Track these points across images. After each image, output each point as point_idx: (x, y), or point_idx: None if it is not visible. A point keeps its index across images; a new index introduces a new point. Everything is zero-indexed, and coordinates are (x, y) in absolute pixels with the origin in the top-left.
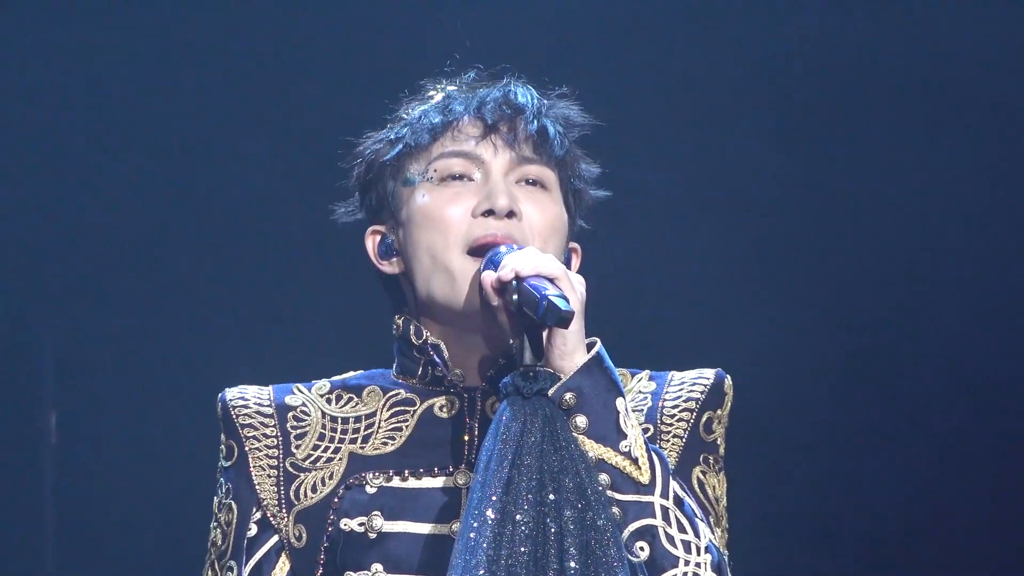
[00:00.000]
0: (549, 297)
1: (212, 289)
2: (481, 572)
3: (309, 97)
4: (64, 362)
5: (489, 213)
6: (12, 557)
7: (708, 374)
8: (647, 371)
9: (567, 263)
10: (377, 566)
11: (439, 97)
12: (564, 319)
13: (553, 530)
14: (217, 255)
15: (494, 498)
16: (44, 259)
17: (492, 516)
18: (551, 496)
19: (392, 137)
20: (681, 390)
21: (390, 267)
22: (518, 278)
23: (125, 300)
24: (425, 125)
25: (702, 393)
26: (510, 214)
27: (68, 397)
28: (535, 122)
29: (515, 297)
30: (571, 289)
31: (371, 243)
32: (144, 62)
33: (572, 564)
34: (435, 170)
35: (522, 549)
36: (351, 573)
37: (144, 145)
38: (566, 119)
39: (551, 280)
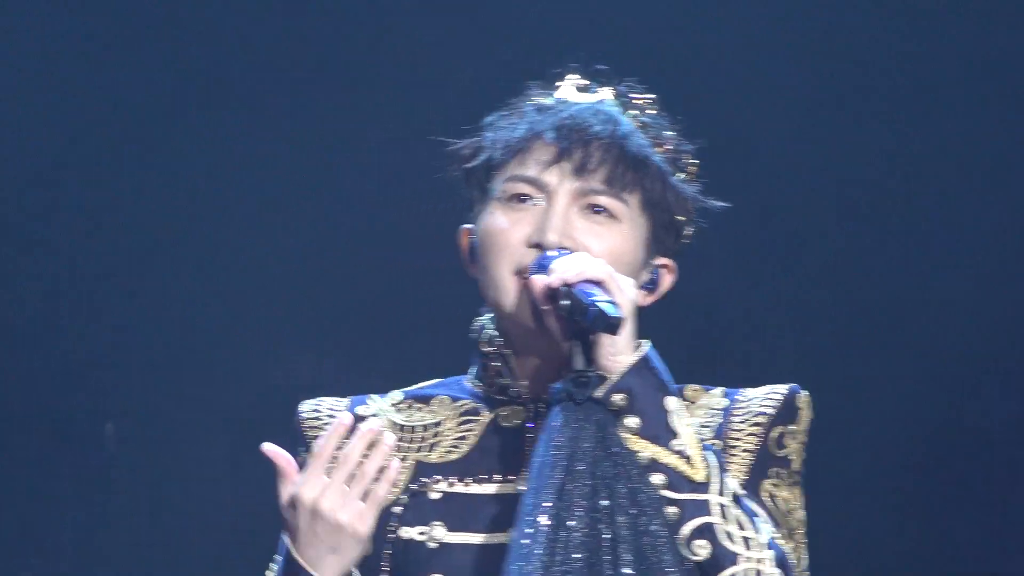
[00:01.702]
0: (598, 303)
1: (286, 295)
2: None
3: (392, 108)
4: (123, 371)
5: (539, 246)
6: (70, 566)
7: (781, 389)
8: (721, 388)
9: (653, 283)
10: None
11: (532, 107)
12: (613, 325)
13: (606, 536)
14: (292, 259)
15: (547, 505)
16: (103, 268)
17: (545, 523)
18: (604, 502)
19: (480, 144)
20: (751, 405)
21: (473, 270)
22: (566, 284)
23: (189, 307)
24: (505, 141)
25: (773, 408)
26: (561, 249)
27: (127, 407)
28: (610, 151)
29: (564, 303)
30: (619, 292)
31: (463, 243)
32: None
33: (626, 570)
34: (504, 190)
35: (576, 556)
36: None
37: (210, 150)
38: (654, 142)
39: (599, 284)
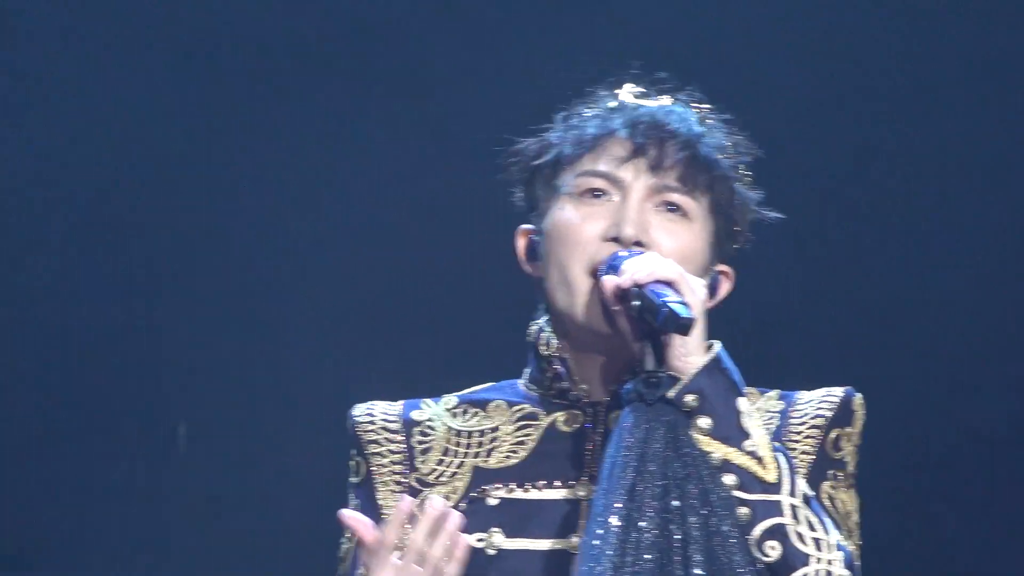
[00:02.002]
0: (669, 304)
1: (346, 298)
2: None
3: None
4: (193, 373)
5: (616, 240)
6: (142, 567)
7: (837, 392)
8: (776, 390)
9: (712, 288)
10: None
11: (601, 106)
12: (684, 326)
13: (678, 537)
14: (348, 262)
15: (618, 505)
16: (172, 270)
17: (616, 524)
18: (675, 503)
19: (550, 141)
20: (809, 407)
21: (533, 270)
22: (637, 285)
23: (261, 310)
24: (579, 137)
25: (831, 411)
26: (637, 243)
27: (197, 408)
28: (685, 150)
29: (635, 303)
30: (690, 293)
31: (521, 243)
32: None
33: (697, 571)
34: (577, 185)
35: (647, 556)
36: None
37: (276, 156)
38: (722, 146)
39: (670, 284)
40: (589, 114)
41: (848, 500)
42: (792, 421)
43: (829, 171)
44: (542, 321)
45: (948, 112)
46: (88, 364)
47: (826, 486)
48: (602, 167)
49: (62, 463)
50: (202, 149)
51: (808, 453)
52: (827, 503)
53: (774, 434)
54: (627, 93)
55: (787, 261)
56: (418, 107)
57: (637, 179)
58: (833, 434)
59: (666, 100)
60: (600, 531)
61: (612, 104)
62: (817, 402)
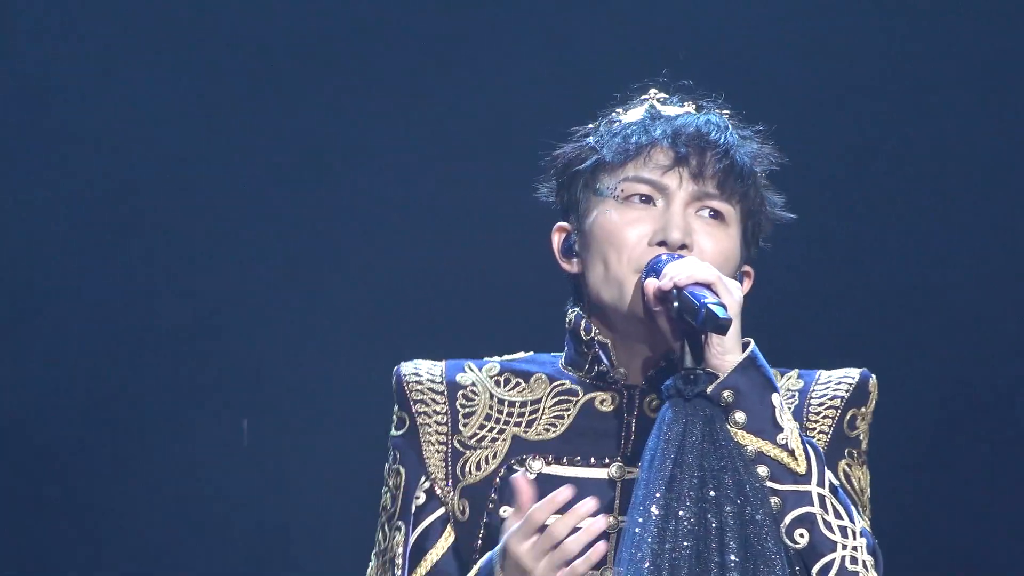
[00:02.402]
0: (708, 305)
1: (387, 281)
2: (646, 565)
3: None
4: (254, 368)
5: (662, 244)
6: (203, 560)
7: (853, 373)
8: (796, 370)
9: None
10: None
11: (641, 113)
12: (722, 326)
13: (714, 525)
14: (411, 264)
15: (658, 495)
16: (240, 271)
17: (656, 512)
18: (712, 493)
19: (591, 145)
20: (827, 388)
21: (569, 266)
22: (677, 287)
23: (321, 308)
24: (622, 144)
25: (847, 391)
26: (682, 247)
27: (259, 402)
28: (724, 160)
29: (675, 305)
30: (728, 294)
31: (557, 239)
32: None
33: (732, 557)
34: (622, 190)
35: (685, 543)
36: None
37: (318, 134)
38: (755, 155)
39: (708, 287)
40: (627, 121)
41: (862, 476)
42: (812, 401)
43: (836, 161)
44: (578, 310)
45: (950, 106)
46: (154, 361)
47: (842, 464)
48: (647, 174)
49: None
50: (244, 141)
51: (825, 432)
52: (843, 480)
53: (794, 412)
54: (654, 99)
55: (804, 251)
56: (463, 80)
57: (680, 187)
58: (849, 414)
59: (691, 107)
60: (640, 519)
61: (651, 112)
62: (835, 383)
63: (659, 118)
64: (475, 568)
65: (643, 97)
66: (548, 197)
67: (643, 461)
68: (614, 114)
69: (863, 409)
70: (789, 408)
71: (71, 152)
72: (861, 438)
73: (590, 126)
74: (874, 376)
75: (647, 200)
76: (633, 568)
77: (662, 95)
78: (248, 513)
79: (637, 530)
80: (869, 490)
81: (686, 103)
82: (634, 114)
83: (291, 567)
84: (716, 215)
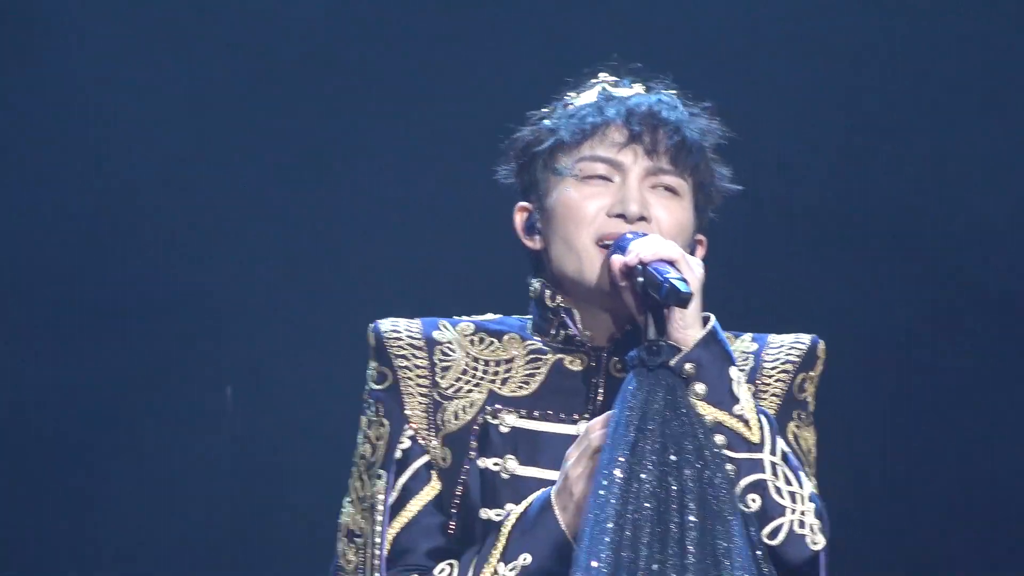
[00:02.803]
0: (670, 280)
1: (390, 266)
2: (610, 525)
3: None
4: (238, 337)
5: (621, 216)
6: (191, 526)
7: (804, 339)
8: (749, 333)
9: (692, 254)
10: (510, 506)
11: (595, 96)
12: (684, 300)
13: (674, 488)
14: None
15: (621, 459)
16: (220, 245)
17: (620, 476)
18: (672, 457)
19: (548, 128)
20: (780, 352)
21: (532, 243)
22: (642, 263)
23: (300, 276)
24: (578, 125)
25: (799, 356)
26: (640, 218)
27: (243, 370)
28: (674, 135)
29: (640, 280)
30: (689, 271)
31: (519, 219)
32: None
33: (691, 518)
34: (580, 168)
35: (647, 505)
36: (486, 510)
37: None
38: (704, 130)
39: (671, 263)
40: (581, 103)
41: (809, 436)
42: (765, 364)
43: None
44: (542, 280)
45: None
46: (137, 330)
47: (792, 425)
48: (603, 152)
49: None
50: (228, 124)
51: (777, 395)
52: (792, 441)
53: (749, 373)
54: (604, 83)
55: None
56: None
57: (635, 162)
58: (799, 378)
59: (640, 88)
60: (605, 482)
61: (603, 94)
62: (787, 348)
63: (612, 99)
64: (528, 500)
65: (593, 81)
66: (508, 180)
67: (608, 428)
68: (567, 97)
69: (811, 373)
70: (744, 370)
71: (45, 136)
72: (809, 401)
73: (545, 110)
74: (823, 342)
75: (605, 177)
76: (598, 528)
77: (612, 78)
78: (232, 476)
79: (602, 492)
80: (815, 450)
81: (635, 84)
82: (587, 97)
83: (278, 536)
84: (670, 188)
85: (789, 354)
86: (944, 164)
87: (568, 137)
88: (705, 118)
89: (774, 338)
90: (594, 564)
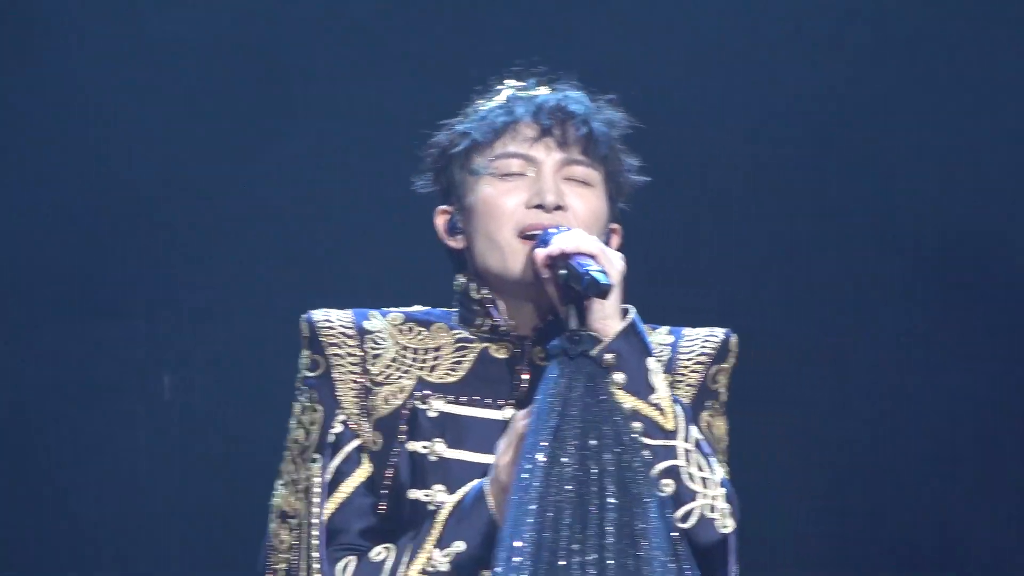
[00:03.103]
0: (591, 272)
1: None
2: (533, 507)
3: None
4: (172, 326)
5: (539, 207)
6: (134, 511)
7: (718, 333)
8: (666, 327)
9: (607, 243)
10: (439, 487)
11: (503, 97)
12: (603, 291)
13: (594, 471)
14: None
15: (544, 444)
16: (146, 223)
17: (542, 460)
18: (592, 442)
19: (461, 131)
20: (694, 345)
21: (455, 243)
22: (564, 255)
23: (238, 264)
24: (490, 125)
25: (713, 349)
26: (557, 208)
27: (180, 357)
28: (583, 128)
29: (562, 272)
30: (610, 265)
31: (440, 221)
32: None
33: (611, 500)
34: (496, 166)
35: (568, 487)
36: (415, 490)
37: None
38: (611, 122)
39: (592, 257)
40: (490, 106)
41: (721, 425)
42: (681, 356)
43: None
44: (466, 277)
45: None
46: (73, 319)
47: (705, 415)
48: (516, 148)
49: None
50: (186, 126)
51: (693, 385)
52: (705, 429)
53: (666, 364)
54: (510, 87)
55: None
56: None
57: (548, 155)
58: (713, 370)
59: (545, 89)
60: (528, 466)
61: (512, 96)
62: (702, 341)
63: (520, 99)
64: (464, 489)
65: (498, 87)
66: (424, 188)
67: (532, 414)
68: (476, 104)
69: (724, 366)
70: (661, 361)
71: None
72: (722, 391)
73: (457, 119)
74: (735, 336)
75: (520, 173)
76: (521, 510)
77: (518, 83)
78: (174, 463)
79: (525, 476)
80: (727, 438)
81: (540, 86)
82: (496, 101)
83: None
84: (583, 179)
85: (703, 347)
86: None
87: (481, 137)
88: (611, 110)
89: (688, 331)
90: (517, 544)
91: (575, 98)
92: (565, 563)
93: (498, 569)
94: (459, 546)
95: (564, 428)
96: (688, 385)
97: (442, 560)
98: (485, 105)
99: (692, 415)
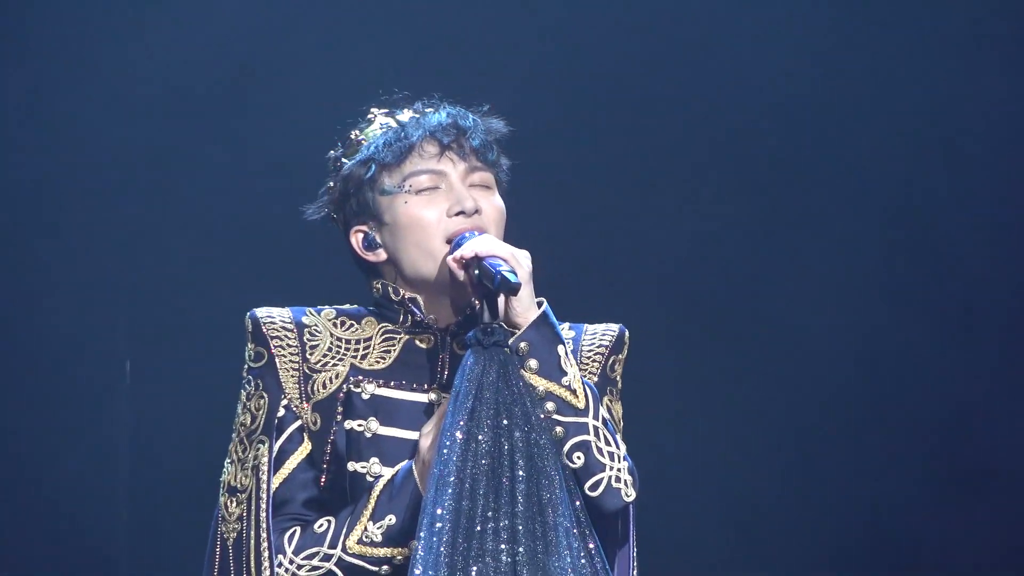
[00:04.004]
0: (502, 272)
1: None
2: (452, 479)
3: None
4: (134, 315)
5: (460, 213)
6: (93, 494)
7: (614, 328)
8: (568, 323)
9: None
10: (374, 459)
11: (394, 123)
12: (513, 289)
13: (506, 447)
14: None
15: (461, 423)
16: (108, 224)
17: (460, 436)
18: (504, 422)
19: (364, 159)
20: (595, 338)
21: (374, 257)
22: (477, 258)
23: (190, 259)
24: (396, 149)
25: (610, 342)
26: (476, 211)
27: (138, 345)
28: (476, 138)
29: (476, 272)
30: (519, 265)
31: (355, 240)
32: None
33: (520, 473)
34: (410, 184)
35: (483, 462)
36: (353, 463)
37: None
38: (493, 129)
39: (503, 259)
40: (378, 134)
41: (619, 408)
42: (583, 348)
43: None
44: (382, 282)
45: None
46: (38, 308)
47: (606, 400)
48: (425, 166)
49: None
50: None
51: (594, 374)
52: (605, 413)
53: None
54: (380, 113)
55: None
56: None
57: (454, 168)
58: (610, 360)
59: (409, 112)
60: (448, 443)
61: (400, 120)
62: (600, 335)
63: (410, 122)
64: (395, 469)
65: (369, 117)
66: (316, 215)
67: (451, 397)
68: (354, 136)
69: (620, 356)
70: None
71: None
72: (618, 379)
73: (335, 152)
74: (627, 331)
75: (433, 186)
76: (441, 482)
77: (384, 109)
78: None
79: (445, 451)
80: (622, 420)
81: (406, 109)
82: (374, 129)
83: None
84: (484, 183)
85: (602, 340)
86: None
87: (390, 160)
88: (490, 119)
89: (588, 327)
90: (439, 511)
91: (460, 114)
92: (480, 528)
93: (421, 533)
94: (390, 519)
95: (479, 409)
96: (590, 373)
97: (376, 532)
98: (365, 133)
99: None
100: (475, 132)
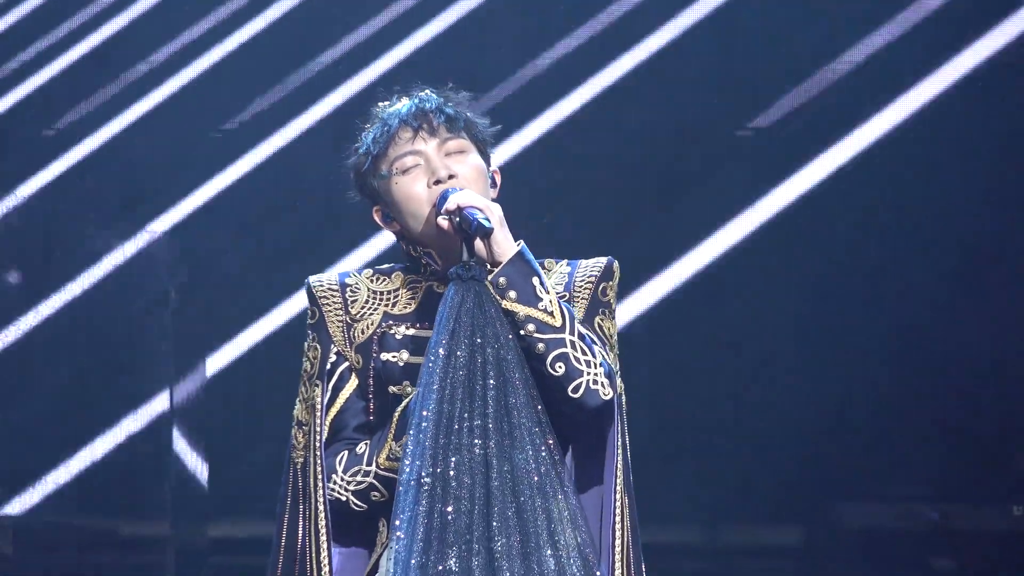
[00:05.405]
0: (477, 219)
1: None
2: (435, 386)
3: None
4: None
5: (438, 182)
6: None
7: (603, 260)
8: (565, 260)
9: (494, 183)
10: (407, 382)
11: (383, 117)
12: (487, 232)
13: (479, 361)
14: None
15: (444, 341)
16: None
17: (442, 352)
18: (478, 340)
19: (363, 152)
20: (587, 269)
21: (392, 227)
22: (459, 208)
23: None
24: (381, 140)
25: (599, 271)
26: (451, 177)
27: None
28: (440, 115)
29: (457, 220)
30: (491, 213)
31: (377, 216)
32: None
33: (491, 382)
34: (396, 167)
35: (460, 373)
36: (392, 387)
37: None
38: (457, 101)
39: (479, 209)
40: (372, 126)
41: (611, 326)
42: (577, 278)
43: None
44: (404, 244)
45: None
46: None
47: (598, 319)
48: (403, 149)
49: None
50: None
51: (586, 298)
52: (599, 331)
53: (566, 286)
54: (379, 106)
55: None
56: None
57: (427, 144)
58: (601, 286)
59: (406, 100)
60: (432, 357)
61: (384, 114)
62: (591, 266)
63: (389, 114)
64: (410, 396)
65: (376, 110)
66: (355, 198)
67: (436, 321)
68: (364, 131)
69: (611, 283)
70: (561, 284)
71: None
72: (611, 301)
73: (356, 145)
74: (617, 261)
75: (414, 165)
76: (427, 390)
77: (386, 102)
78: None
79: (430, 364)
80: (616, 335)
81: (403, 98)
82: (371, 124)
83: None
84: (457, 148)
85: (593, 270)
86: None
87: (377, 150)
88: (454, 95)
89: (583, 261)
90: (424, 413)
91: (425, 98)
92: (458, 427)
93: (410, 431)
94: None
95: (458, 331)
96: (583, 299)
97: (398, 448)
98: (367, 129)
99: (590, 320)
100: (438, 109)
